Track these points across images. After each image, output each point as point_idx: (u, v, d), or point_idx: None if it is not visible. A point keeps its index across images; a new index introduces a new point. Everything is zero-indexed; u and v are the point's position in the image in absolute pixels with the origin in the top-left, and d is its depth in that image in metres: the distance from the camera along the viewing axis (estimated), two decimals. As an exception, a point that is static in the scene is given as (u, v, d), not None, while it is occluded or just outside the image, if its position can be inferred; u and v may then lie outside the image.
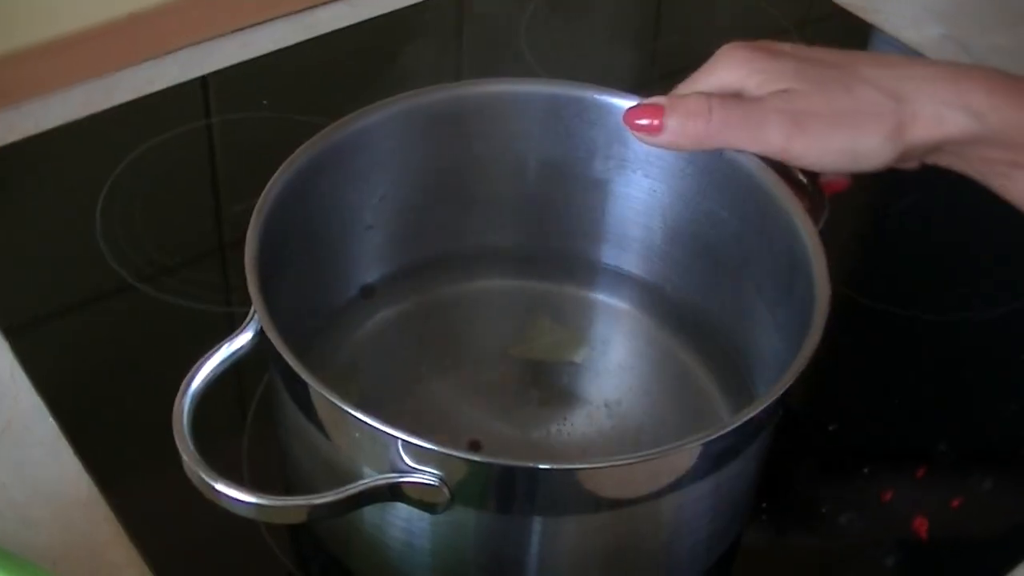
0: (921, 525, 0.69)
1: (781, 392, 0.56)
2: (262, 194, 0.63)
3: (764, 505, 0.69)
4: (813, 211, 0.67)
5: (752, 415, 0.55)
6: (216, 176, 0.93)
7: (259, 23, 1.03)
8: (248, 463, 0.70)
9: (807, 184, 0.69)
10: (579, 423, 0.70)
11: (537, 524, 0.57)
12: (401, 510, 0.56)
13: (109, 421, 0.74)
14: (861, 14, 1.09)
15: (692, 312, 0.74)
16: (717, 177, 0.69)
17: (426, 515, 0.56)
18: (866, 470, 0.72)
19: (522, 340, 0.73)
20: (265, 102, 0.96)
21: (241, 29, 1.02)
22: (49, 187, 0.89)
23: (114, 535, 0.67)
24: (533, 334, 0.73)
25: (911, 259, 0.87)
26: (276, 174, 0.64)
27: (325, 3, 1.06)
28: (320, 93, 0.98)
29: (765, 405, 0.55)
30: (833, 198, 0.69)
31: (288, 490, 0.65)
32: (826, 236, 0.65)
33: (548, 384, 0.72)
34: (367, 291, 0.73)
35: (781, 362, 0.60)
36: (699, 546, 0.63)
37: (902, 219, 0.90)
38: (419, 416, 0.68)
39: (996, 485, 0.71)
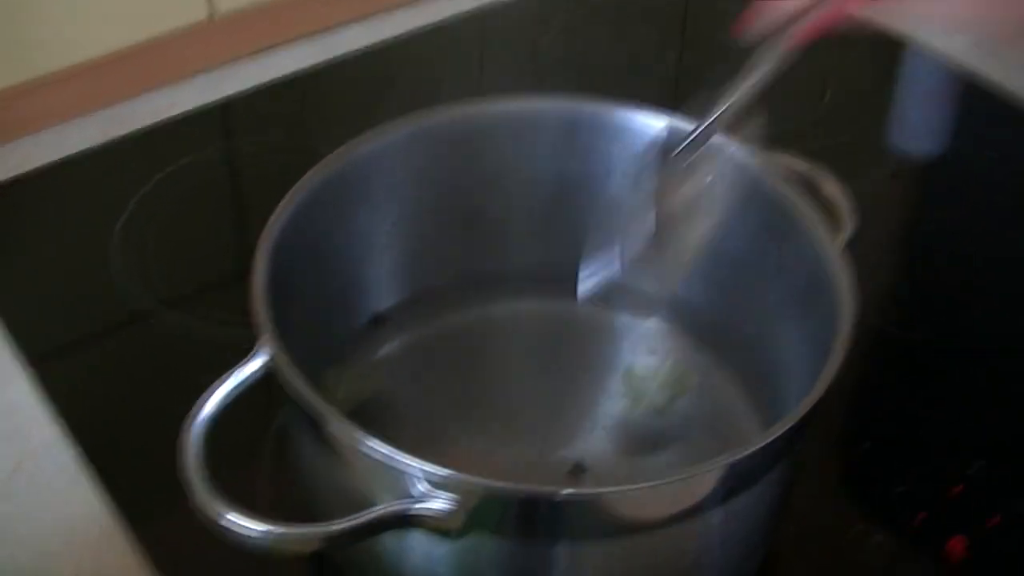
0: (957, 545, 0.67)
1: (803, 414, 0.54)
2: (269, 222, 0.62)
3: (795, 526, 0.67)
4: (838, 227, 0.66)
5: (773, 438, 0.54)
6: (237, 201, 0.92)
7: (277, 45, 1.03)
8: (268, 488, 0.70)
9: (833, 199, 0.68)
10: (603, 441, 0.69)
11: (557, 550, 0.56)
12: (419, 537, 0.55)
13: (130, 451, 0.73)
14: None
15: (718, 328, 0.72)
16: (742, 192, 0.68)
17: (445, 542, 0.55)
18: (900, 489, 0.70)
19: (626, 394, 0.71)
20: (282, 126, 0.95)
21: (259, 52, 1.02)
22: (68, 215, 0.89)
23: (134, 567, 0.67)
24: (638, 382, 0.72)
25: (945, 277, 0.86)
26: (283, 201, 0.63)
27: (343, 24, 1.05)
28: (340, 116, 0.97)
29: (786, 428, 0.54)
30: (862, 209, 0.67)
31: (308, 518, 0.64)
32: (854, 254, 0.64)
33: (567, 405, 0.70)
34: (378, 319, 0.72)
35: (810, 376, 0.58)
36: (727, 568, 0.62)
37: (935, 238, 0.89)
38: (434, 440, 0.67)
39: (1034, 503, 0.70)
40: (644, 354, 0.73)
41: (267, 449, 0.72)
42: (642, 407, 0.70)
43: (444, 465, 0.52)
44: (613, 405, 0.71)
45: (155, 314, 0.81)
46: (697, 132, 0.63)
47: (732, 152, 0.67)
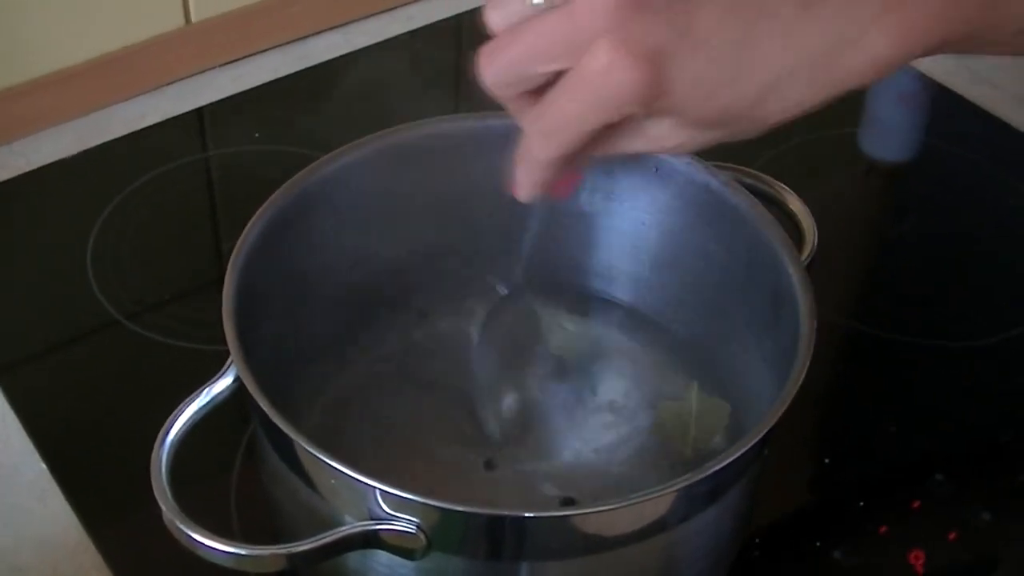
0: (917, 559, 0.68)
1: (763, 434, 0.55)
2: (240, 238, 0.62)
3: (756, 540, 0.68)
4: (801, 243, 0.66)
5: (732, 459, 0.54)
6: (212, 209, 0.93)
7: (252, 54, 1.03)
8: (237, 502, 0.70)
9: (797, 215, 0.69)
10: (569, 457, 0.69)
11: (521, 570, 0.56)
12: (383, 556, 0.56)
13: (100, 464, 0.73)
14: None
15: (682, 343, 0.73)
16: (705, 210, 0.68)
17: (408, 562, 0.55)
18: (861, 503, 0.71)
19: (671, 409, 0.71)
20: (257, 135, 0.95)
21: (234, 61, 1.02)
22: (40, 225, 0.89)
23: (105, 580, 0.67)
24: (681, 403, 0.71)
25: (908, 285, 0.86)
26: (253, 218, 0.63)
27: (318, 33, 1.05)
28: (315, 124, 0.97)
29: (745, 448, 0.54)
30: (834, 213, 0.67)
31: (274, 533, 0.65)
32: (821, 261, 0.65)
33: (537, 422, 0.71)
34: (349, 333, 0.72)
35: (771, 395, 0.59)
36: (690, 584, 0.63)
37: (899, 243, 0.90)
38: (405, 457, 0.68)
39: (993, 516, 0.70)
40: (613, 374, 0.73)
41: (239, 461, 0.72)
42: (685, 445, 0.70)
43: (407, 487, 0.53)
44: (582, 420, 0.71)
45: (129, 323, 0.81)
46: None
47: (695, 171, 0.67)
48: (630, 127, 0.52)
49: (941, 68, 1.04)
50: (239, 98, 0.99)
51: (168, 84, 1.00)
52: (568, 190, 0.59)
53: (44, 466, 0.73)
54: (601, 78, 0.48)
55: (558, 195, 0.58)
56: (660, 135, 0.52)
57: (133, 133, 0.96)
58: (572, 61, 0.49)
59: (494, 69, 0.52)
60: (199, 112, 0.98)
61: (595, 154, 0.54)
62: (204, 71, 1.01)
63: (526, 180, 0.56)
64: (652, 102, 0.48)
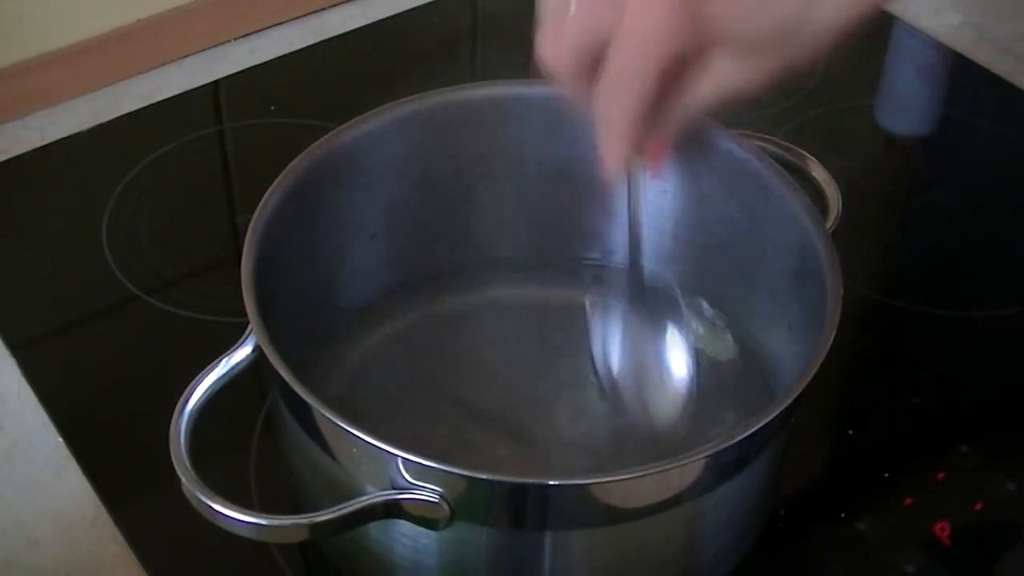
0: (943, 530, 0.67)
1: (789, 402, 0.55)
2: (258, 207, 0.62)
3: (781, 512, 0.67)
4: (825, 211, 0.66)
5: (759, 427, 0.54)
6: (227, 183, 0.92)
7: (268, 27, 1.02)
8: (256, 475, 0.70)
9: (821, 183, 0.68)
10: (592, 430, 0.69)
11: (544, 539, 0.56)
12: (406, 527, 0.55)
13: (117, 439, 0.73)
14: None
15: (707, 313, 0.72)
16: (728, 177, 0.68)
17: (431, 532, 0.55)
18: (886, 475, 0.70)
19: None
20: (273, 107, 0.95)
21: (250, 34, 1.01)
22: (56, 200, 0.88)
23: (122, 555, 0.67)
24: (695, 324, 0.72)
25: (930, 255, 0.85)
26: (272, 186, 0.63)
27: (334, 5, 1.05)
28: (332, 97, 0.97)
29: (771, 417, 0.54)
30: (853, 184, 0.67)
31: (294, 505, 0.65)
32: (842, 233, 0.64)
33: (559, 393, 0.70)
34: (368, 305, 0.71)
35: (797, 364, 0.58)
36: (714, 556, 0.62)
37: (920, 214, 0.89)
38: (425, 428, 0.67)
39: (1019, 487, 0.69)
40: (635, 346, 0.72)
41: (258, 432, 0.72)
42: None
43: (430, 456, 0.52)
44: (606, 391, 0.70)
45: (145, 297, 0.80)
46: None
47: (718, 138, 0.67)
48: (693, 73, 0.53)
49: (961, 38, 1.03)
50: (255, 71, 0.99)
51: (183, 57, 0.99)
52: (659, 159, 0.60)
53: (61, 440, 0.72)
54: (640, 24, 0.50)
55: (652, 167, 0.61)
56: (724, 73, 0.53)
57: (148, 107, 0.95)
58: (618, 21, 0.51)
59: (559, 52, 0.54)
60: (215, 85, 0.97)
61: (672, 114, 0.55)
62: (219, 44, 1.00)
63: (611, 153, 0.57)
64: (696, 33, 0.50)
